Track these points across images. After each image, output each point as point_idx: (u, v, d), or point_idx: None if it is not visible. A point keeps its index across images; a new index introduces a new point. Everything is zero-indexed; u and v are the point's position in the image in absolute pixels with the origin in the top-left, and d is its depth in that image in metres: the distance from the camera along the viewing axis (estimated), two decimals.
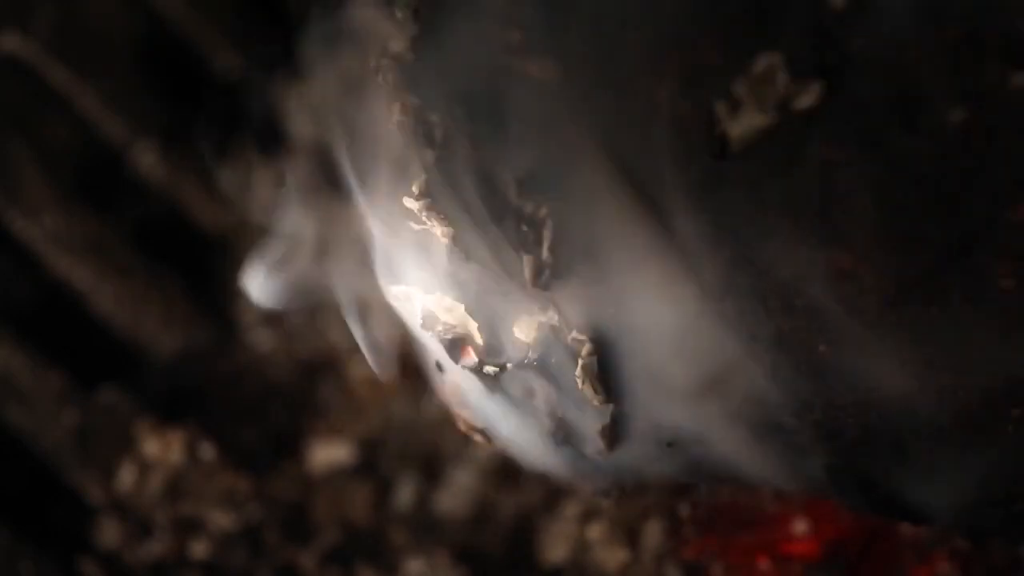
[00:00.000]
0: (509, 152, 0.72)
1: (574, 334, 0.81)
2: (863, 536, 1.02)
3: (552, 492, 1.22)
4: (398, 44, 0.71)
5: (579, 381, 0.82)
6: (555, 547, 1.19)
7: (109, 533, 1.26)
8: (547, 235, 0.75)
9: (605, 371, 0.82)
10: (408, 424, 1.32)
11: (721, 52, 0.64)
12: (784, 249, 0.72)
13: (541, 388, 0.85)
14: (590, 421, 0.85)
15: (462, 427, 0.95)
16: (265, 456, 1.31)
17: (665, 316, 0.78)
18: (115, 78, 1.46)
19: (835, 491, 0.87)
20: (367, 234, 0.92)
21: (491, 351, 0.85)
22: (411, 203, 0.79)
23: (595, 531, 1.15)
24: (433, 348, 0.89)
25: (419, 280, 0.87)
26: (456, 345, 0.85)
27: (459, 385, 0.91)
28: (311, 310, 1.42)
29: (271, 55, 1.42)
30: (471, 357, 0.86)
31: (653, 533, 1.12)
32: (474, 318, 0.84)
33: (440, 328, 0.85)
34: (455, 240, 0.80)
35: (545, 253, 0.76)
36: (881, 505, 0.86)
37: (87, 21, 1.46)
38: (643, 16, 0.65)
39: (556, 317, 0.81)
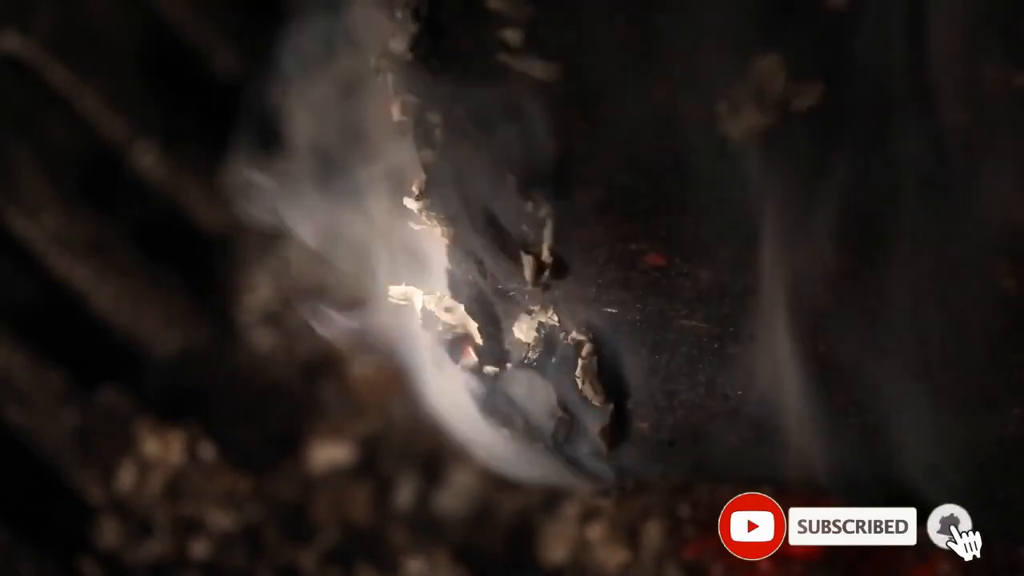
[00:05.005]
0: (510, 152, 0.72)
1: (574, 334, 0.81)
2: None
3: (552, 492, 1.21)
4: (398, 44, 0.71)
5: (579, 381, 0.82)
6: (555, 547, 1.19)
7: (109, 533, 1.26)
8: (547, 235, 0.75)
9: (605, 371, 0.82)
10: (408, 424, 1.32)
11: (721, 52, 0.64)
12: (785, 250, 0.72)
13: (541, 388, 0.85)
14: (590, 421, 0.85)
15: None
16: (265, 456, 1.30)
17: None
18: (115, 78, 1.46)
19: (835, 490, 0.87)
20: (367, 234, 0.92)
21: (491, 351, 0.85)
22: (411, 203, 0.79)
23: (595, 531, 1.15)
24: (432, 348, 0.89)
25: (419, 280, 0.87)
26: (456, 345, 0.85)
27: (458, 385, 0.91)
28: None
29: (271, 55, 1.41)
30: (471, 357, 0.85)
31: (653, 533, 1.12)
32: (474, 318, 0.84)
33: (440, 328, 0.85)
34: (455, 240, 0.80)
35: (545, 253, 0.76)
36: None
37: (87, 21, 1.46)
38: (643, 16, 0.65)
39: (556, 317, 0.81)
